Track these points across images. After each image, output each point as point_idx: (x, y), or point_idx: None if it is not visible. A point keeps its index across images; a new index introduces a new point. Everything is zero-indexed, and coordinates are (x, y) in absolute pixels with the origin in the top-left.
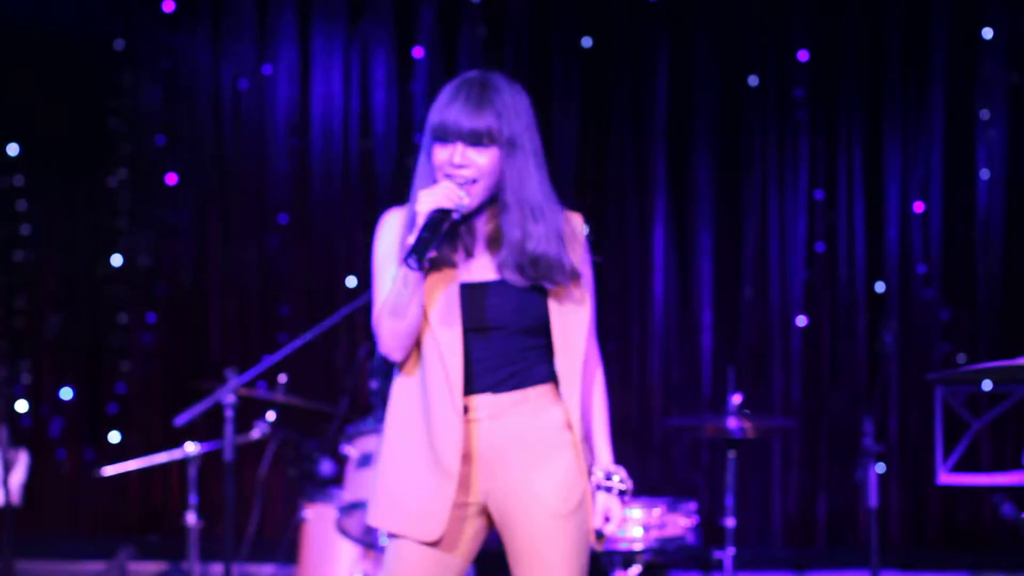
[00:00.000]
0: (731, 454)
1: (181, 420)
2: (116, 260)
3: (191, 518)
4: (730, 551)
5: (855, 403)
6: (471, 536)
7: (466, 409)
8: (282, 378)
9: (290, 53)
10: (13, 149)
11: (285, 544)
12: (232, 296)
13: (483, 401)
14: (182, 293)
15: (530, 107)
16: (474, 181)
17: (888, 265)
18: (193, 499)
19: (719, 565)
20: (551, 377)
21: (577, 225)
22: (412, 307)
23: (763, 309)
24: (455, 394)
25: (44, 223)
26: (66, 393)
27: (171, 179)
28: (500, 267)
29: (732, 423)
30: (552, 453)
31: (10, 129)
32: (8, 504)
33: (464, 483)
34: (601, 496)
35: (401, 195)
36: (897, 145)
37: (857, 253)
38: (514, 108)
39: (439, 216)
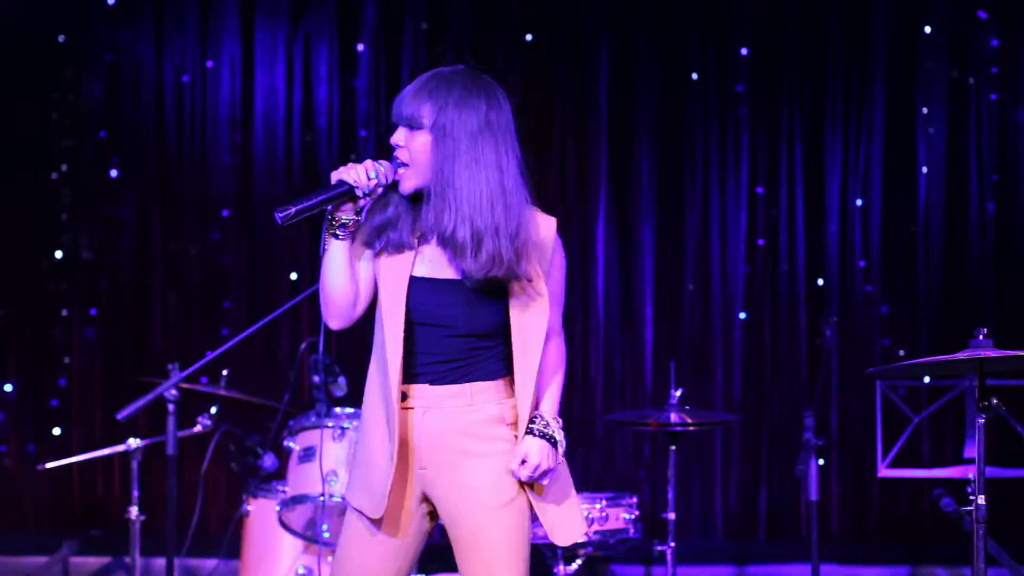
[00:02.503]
0: (672, 448)
1: (123, 414)
2: (58, 254)
3: (133, 512)
4: (671, 544)
5: (796, 397)
6: (415, 520)
7: (404, 397)
8: (225, 372)
9: (233, 47)
10: None
11: (227, 538)
12: (174, 290)
13: (420, 391)
14: (124, 287)
15: (491, 106)
16: (406, 164)
17: (828, 260)
18: (135, 493)
19: (661, 558)
20: (499, 374)
21: (544, 228)
22: (334, 274)
23: (704, 304)
24: (392, 381)
25: None
26: (7, 387)
27: (113, 173)
28: (457, 265)
29: (673, 417)
30: (487, 447)
31: None
32: None
33: (404, 468)
34: (527, 439)
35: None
36: (839, 140)
37: (798, 248)
38: (458, 99)
39: (337, 186)
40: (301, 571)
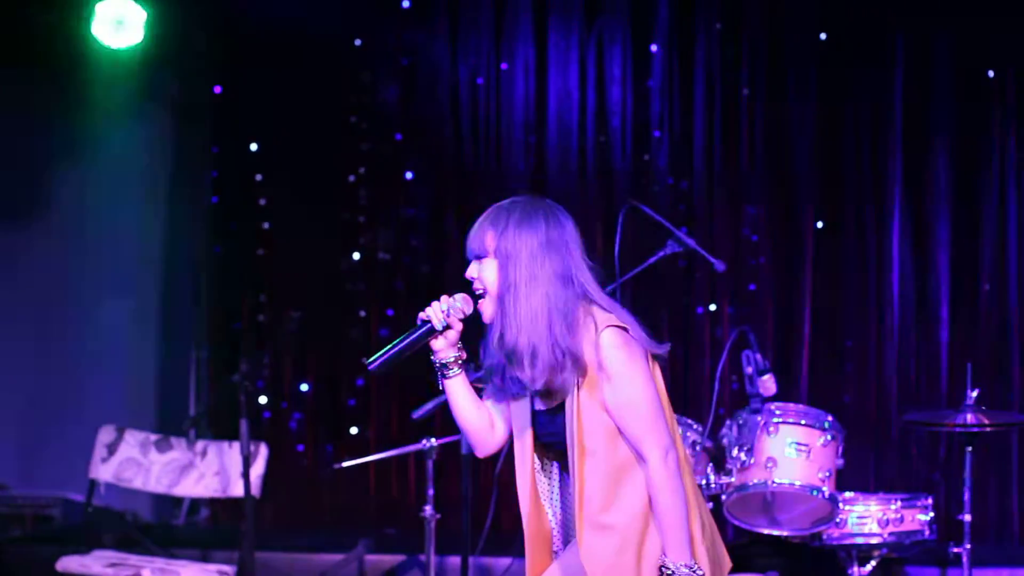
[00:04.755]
0: (969, 449)
1: (419, 414)
2: (356, 255)
3: (428, 511)
4: (967, 547)
5: None
6: None
7: None
8: None
9: (526, 49)
10: (254, 147)
11: (521, 537)
12: (467, 291)
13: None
14: (420, 287)
15: (550, 226)
16: (484, 294)
17: None
18: (431, 492)
19: (956, 561)
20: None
21: (587, 343)
22: (456, 411)
23: (1001, 304)
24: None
25: (284, 219)
26: (303, 387)
27: (408, 175)
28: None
29: (970, 418)
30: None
31: (251, 127)
32: (248, 496)
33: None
34: None
35: (637, 189)
36: None
37: None
38: (518, 222)
39: (417, 327)
40: None
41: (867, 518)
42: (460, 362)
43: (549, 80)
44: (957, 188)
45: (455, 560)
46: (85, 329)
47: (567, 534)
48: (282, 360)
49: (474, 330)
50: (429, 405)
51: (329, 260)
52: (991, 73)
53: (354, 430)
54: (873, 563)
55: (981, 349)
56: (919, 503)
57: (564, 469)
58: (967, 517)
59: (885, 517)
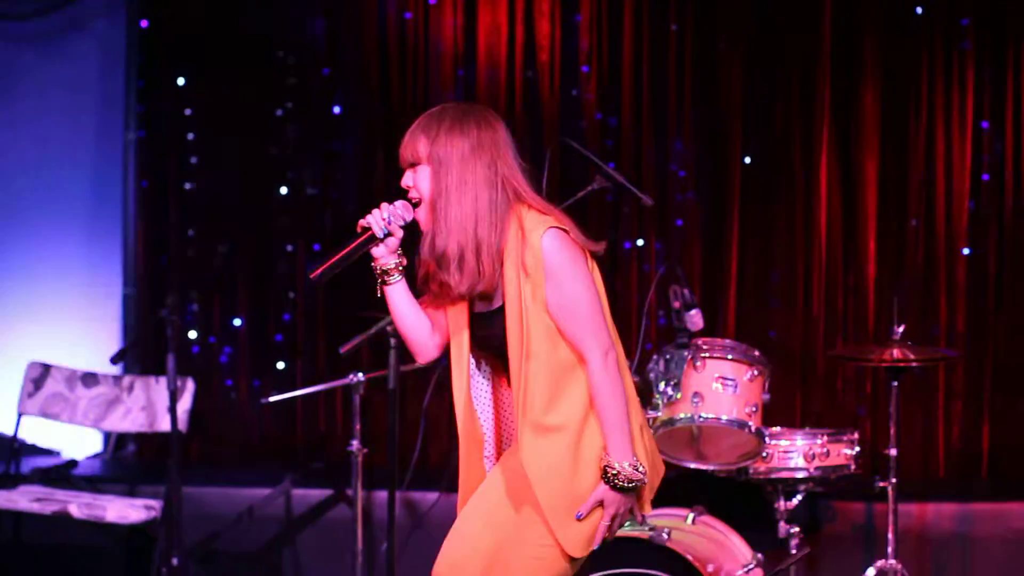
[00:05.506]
0: (895, 384)
1: (346, 349)
2: (283, 190)
3: (355, 446)
4: (893, 481)
5: (1020, 333)
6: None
7: None
8: None
9: None
10: (181, 81)
11: (448, 472)
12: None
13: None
14: (347, 222)
15: (482, 129)
16: (420, 202)
17: None
18: (357, 427)
19: (882, 495)
20: None
21: (534, 222)
22: (397, 318)
23: (928, 240)
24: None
25: (212, 154)
26: (236, 322)
27: (336, 110)
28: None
29: (896, 353)
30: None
31: (178, 62)
32: (175, 431)
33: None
34: (600, 487)
35: (565, 125)
36: None
37: (1023, 183)
38: (449, 127)
39: (358, 235)
40: None
41: (793, 452)
42: (400, 268)
43: (478, 14)
44: (885, 124)
45: (382, 494)
46: (11, 267)
47: (499, 440)
48: (210, 295)
49: (413, 239)
50: (356, 340)
51: (257, 195)
52: (919, 9)
53: (281, 365)
54: (799, 497)
55: (907, 285)
56: (845, 437)
57: (499, 372)
58: (893, 451)
59: (811, 451)
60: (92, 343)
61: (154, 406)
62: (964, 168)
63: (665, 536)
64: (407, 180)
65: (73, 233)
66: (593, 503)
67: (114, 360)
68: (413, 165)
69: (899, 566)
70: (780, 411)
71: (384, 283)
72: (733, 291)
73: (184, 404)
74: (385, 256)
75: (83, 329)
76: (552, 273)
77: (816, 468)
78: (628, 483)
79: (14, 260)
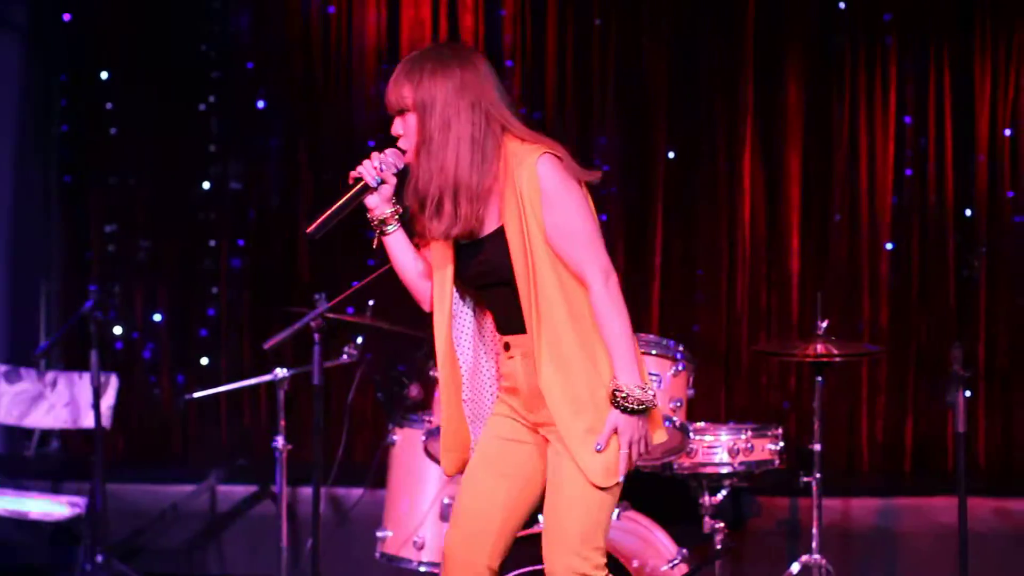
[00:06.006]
0: (819, 379)
1: (270, 344)
2: (206, 185)
3: (280, 442)
4: (817, 476)
5: (943, 328)
6: (527, 453)
7: (507, 346)
8: (371, 303)
9: None
10: (104, 75)
11: (373, 468)
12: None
13: (513, 340)
14: (272, 218)
15: (465, 70)
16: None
17: (977, 190)
18: (282, 423)
19: (806, 490)
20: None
21: (525, 153)
22: (398, 267)
23: (852, 235)
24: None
25: (135, 148)
26: (156, 317)
27: (260, 104)
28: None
29: (819, 348)
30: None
31: (101, 55)
32: (99, 427)
33: (517, 414)
34: (611, 413)
35: None
36: (987, 69)
37: (946, 178)
38: (432, 71)
39: (351, 186)
40: (446, 501)
41: (717, 447)
42: (396, 217)
43: (401, 8)
44: (808, 118)
45: (307, 490)
46: None
47: (475, 380)
48: (133, 290)
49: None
50: (280, 335)
51: (180, 190)
52: (842, 5)
53: (205, 360)
54: (724, 492)
55: (831, 280)
56: (769, 433)
57: (481, 308)
58: (817, 447)
59: (735, 447)
60: (15, 338)
61: (77, 402)
62: (887, 163)
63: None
64: (397, 128)
65: None
66: (609, 431)
67: (38, 356)
68: (401, 112)
69: (824, 561)
70: (704, 406)
71: (382, 233)
72: (657, 286)
73: (108, 400)
74: (380, 205)
75: (5, 323)
76: (549, 198)
77: (740, 463)
78: (639, 405)
79: None
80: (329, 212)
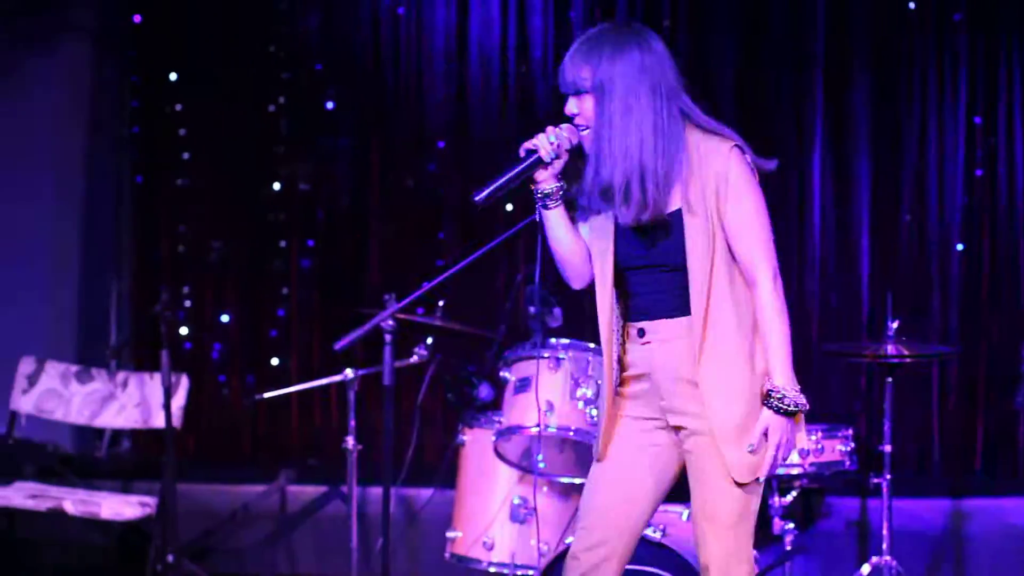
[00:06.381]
0: (889, 380)
1: (341, 345)
2: (276, 186)
3: (350, 442)
4: (887, 477)
5: (1014, 329)
6: (655, 454)
7: (642, 332)
8: (441, 303)
9: None
10: (173, 77)
11: (443, 468)
12: (391, 221)
13: (651, 326)
14: (341, 219)
15: (644, 52)
16: (586, 127)
17: None
18: (352, 423)
19: (877, 491)
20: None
21: (717, 158)
22: (556, 241)
23: (921, 236)
24: (611, 320)
25: (205, 149)
26: (224, 318)
27: (329, 105)
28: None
29: (890, 349)
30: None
31: (170, 57)
32: (169, 428)
33: (642, 401)
34: (762, 414)
35: (559, 120)
36: None
37: (1017, 179)
38: (611, 53)
39: (524, 158)
40: (516, 501)
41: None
42: (560, 193)
43: (470, 9)
44: (877, 120)
45: (377, 491)
46: (4, 261)
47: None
48: (203, 291)
49: None
50: (351, 336)
51: (249, 190)
52: (912, 5)
53: (275, 361)
54: (794, 493)
55: (901, 280)
56: (839, 434)
57: (624, 296)
58: (887, 448)
59: (805, 448)
60: (86, 338)
61: (148, 402)
62: (957, 163)
63: (659, 532)
64: (571, 107)
65: (68, 228)
66: (761, 431)
67: (111, 355)
68: (578, 92)
69: (894, 562)
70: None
71: (545, 207)
72: None
73: (178, 400)
74: (548, 180)
75: (77, 323)
76: (737, 191)
77: (811, 464)
78: (794, 407)
79: (7, 254)
80: (500, 182)
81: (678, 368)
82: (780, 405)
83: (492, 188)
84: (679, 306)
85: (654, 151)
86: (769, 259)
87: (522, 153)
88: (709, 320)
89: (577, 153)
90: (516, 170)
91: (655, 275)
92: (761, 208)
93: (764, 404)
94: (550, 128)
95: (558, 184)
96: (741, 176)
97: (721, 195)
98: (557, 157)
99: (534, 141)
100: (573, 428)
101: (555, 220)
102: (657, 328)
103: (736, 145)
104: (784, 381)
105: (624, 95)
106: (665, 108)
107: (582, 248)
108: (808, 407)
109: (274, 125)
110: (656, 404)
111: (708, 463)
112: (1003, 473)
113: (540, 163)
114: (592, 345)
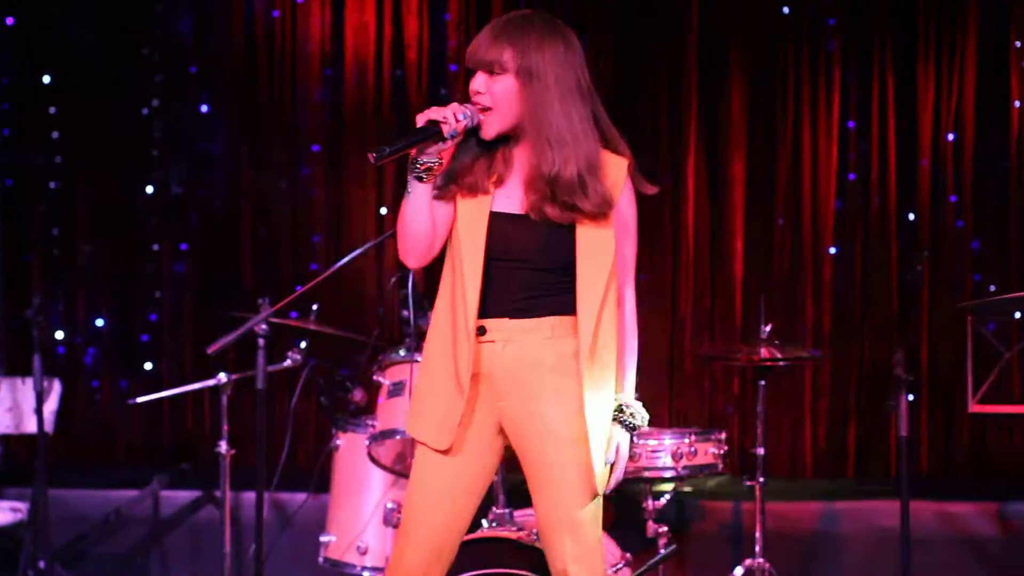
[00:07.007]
0: (762, 383)
1: (213, 349)
2: (149, 189)
3: (223, 447)
4: (760, 480)
5: (886, 333)
6: (486, 451)
7: (483, 331)
8: (314, 307)
9: None
10: (46, 79)
11: (317, 473)
12: (265, 225)
13: (499, 325)
14: (215, 222)
15: (568, 47)
16: (489, 108)
17: (919, 195)
18: (225, 428)
19: (749, 494)
20: (572, 309)
21: (615, 167)
22: (416, 214)
23: (795, 239)
24: (469, 316)
25: (77, 152)
26: (99, 322)
27: (204, 108)
28: (532, 201)
29: (763, 352)
30: (561, 381)
31: (43, 59)
32: (42, 433)
33: (478, 401)
34: (613, 429)
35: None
36: (930, 74)
37: (889, 183)
38: (539, 41)
39: (427, 128)
40: (390, 505)
41: (661, 451)
42: (438, 169)
43: (345, 13)
44: (751, 123)
45: (250, 496)
46: None
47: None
48: (75, 295)
49: None
50: (224, 340)
51: (123, 194)
52: (786, 9)
53: (148, 365)
54: (667, 496)
55: (774, 284)
56: (713, 437)
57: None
58: (760, 451)
59: (679, 451)
60: None
61: (20, 407)
62: (830, 167)
63: (534, 536)
64: (478, 84)
65: None
66: (615, 445)
67: None
68: (492, 72)
69: (767, 565)
70: (648, 411)
71: (419, 179)
72: None
73: (50, 405)
74: (433, 154)
75: None
76: (622, 226)
77: (684, 467)
78: (642, 422)
79: None
80: (399, 146)
81: (520, 369)
82: (631, 420)
83: (392, 149)
84: (532, 307)
85: (593, 139)
86: (632, 279)
87: (421, 122)
88: (601, 327)
89: (470, 133)
90: (414, 138)
91: (523, 271)
92: (635, 229)
93: (616, 419)
94: (455, 105)
95: (438, 160)
96: (631, 211)
97: (615, 210)
98: (456, 134)
99: (443, 113)
100: None
101: (423, 195)
102: (501, 327)
103: (630, 167)
104: (630, 397)
105: (556, 83)
106: (590, 102)
107: (433, 230)
108: (645, 424)
109: (147, 128)
110: (493, 405)
111: (555, 462)
112: (875, 476)
113: (439, 136)
114: None
